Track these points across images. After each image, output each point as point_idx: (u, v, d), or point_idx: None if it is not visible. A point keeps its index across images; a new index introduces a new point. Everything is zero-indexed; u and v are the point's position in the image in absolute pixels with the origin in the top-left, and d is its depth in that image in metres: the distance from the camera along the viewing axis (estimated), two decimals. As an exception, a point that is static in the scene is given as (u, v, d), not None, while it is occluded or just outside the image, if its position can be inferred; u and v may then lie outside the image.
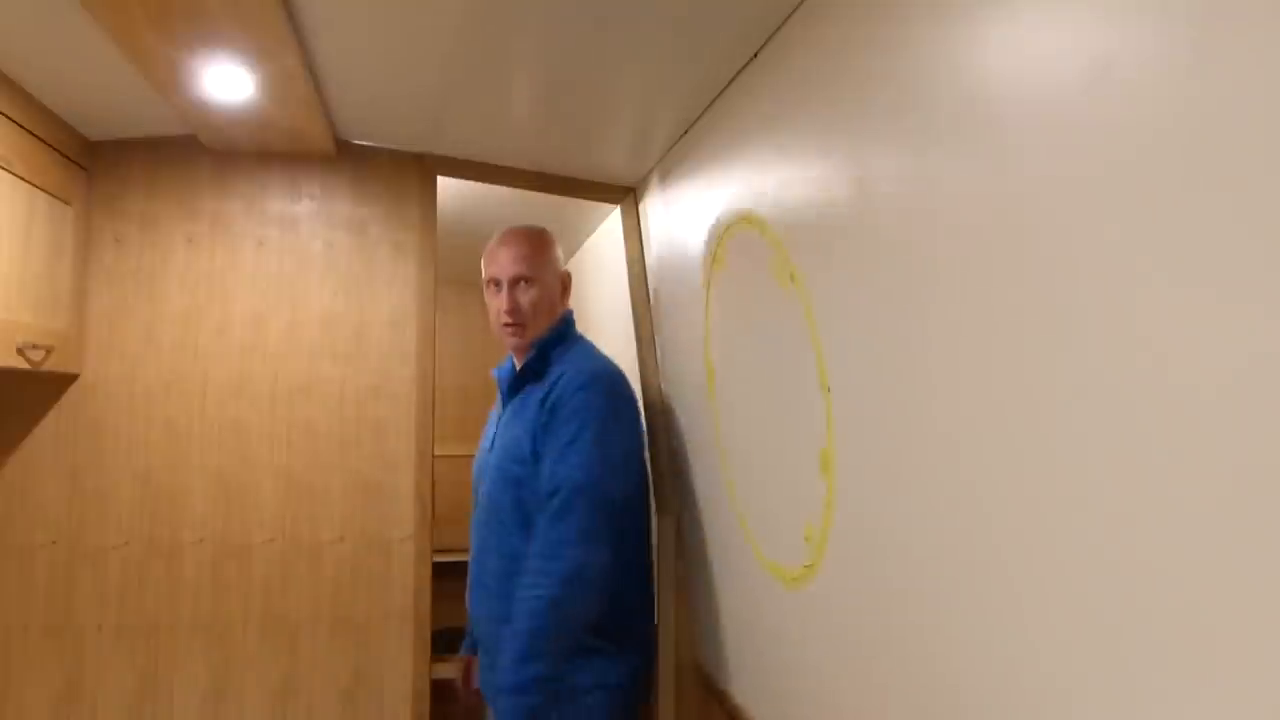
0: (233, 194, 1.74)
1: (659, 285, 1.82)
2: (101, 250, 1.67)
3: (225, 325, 1.71)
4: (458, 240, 2.46)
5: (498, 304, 1.58)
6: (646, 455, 1.68)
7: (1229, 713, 0.52)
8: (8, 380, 1.59)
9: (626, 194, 1.94)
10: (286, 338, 1.73)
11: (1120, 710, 0.61)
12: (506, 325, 1.57)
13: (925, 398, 0.85)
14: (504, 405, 1.63)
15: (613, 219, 2.08)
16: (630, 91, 1.43)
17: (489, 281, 1.60)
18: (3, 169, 1.31)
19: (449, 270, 2.68)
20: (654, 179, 1.78)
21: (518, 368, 1.61)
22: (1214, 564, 0.53)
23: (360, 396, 1.75)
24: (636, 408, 1.63)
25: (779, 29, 1.13)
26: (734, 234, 1.34)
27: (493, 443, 1.60)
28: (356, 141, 1.77)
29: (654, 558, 1.87)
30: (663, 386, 1.85)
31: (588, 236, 2.48)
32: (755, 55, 1.21)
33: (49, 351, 1.46)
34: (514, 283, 1.56)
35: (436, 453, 1.85)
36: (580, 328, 2.56)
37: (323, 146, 1.71)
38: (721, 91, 1.35)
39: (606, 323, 2.31)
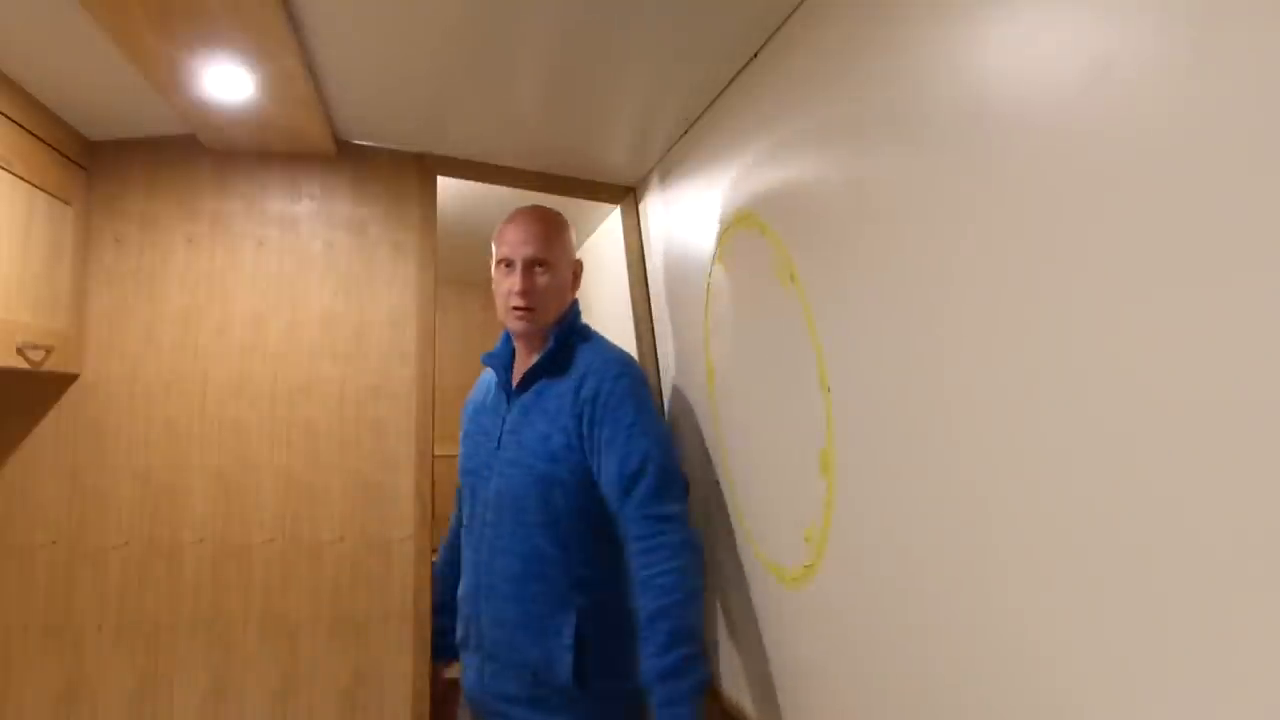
0: (233, 194, 1.74)
1: (659, 285, 1.82)
2: (101, 250, 1.67)
3: (225, 325, 1.71)
4: (458, 240, 2.46)
5: (509, 284, 1.49)
6: None
7: (1226, 713, 0.52)
8: (8, 380, 1.59)
9: (626, 194, 1.94)
10: (286, 338, 1.73)
11: (1120, 710, 0.61)
12: (516, 308, 1.49)
13: (925, 397, 0.85)
14: (507, 399, 1.56)
15: (613, 219, 2.08)
16: (631, 91, 1.43)
17: (500, 261, 1.52)
18: (3, 169, 1.31)
19: (449, 270, 2.68)
20: (654, 179, 1.78)
21: (528, 357, 1.54)
22: (1214, 565, 0.53)
23: (360, 396, 1.75)
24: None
25: (779, 29, 1.13)
26: (734, 234, 1.33)
27: (499, 440, 1.53)
28: (356, 141, 1.77)
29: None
30: (663, 386, 1.85)
31: (588, 236, 2.48)
32: (755, 55, 1.21)
33: (49, 351, 1.46)
34: (529, 265, 1.49)
35: (436, 453, 1.85)
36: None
37: (323, 146, 1.71)
38: (721, 91, 1.35)
39: (606, 323, 2.31)
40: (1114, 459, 0.60)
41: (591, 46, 1.26)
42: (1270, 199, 0.48)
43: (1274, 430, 0.48)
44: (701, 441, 1.59)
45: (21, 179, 1.37)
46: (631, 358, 1.54)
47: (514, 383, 1.55)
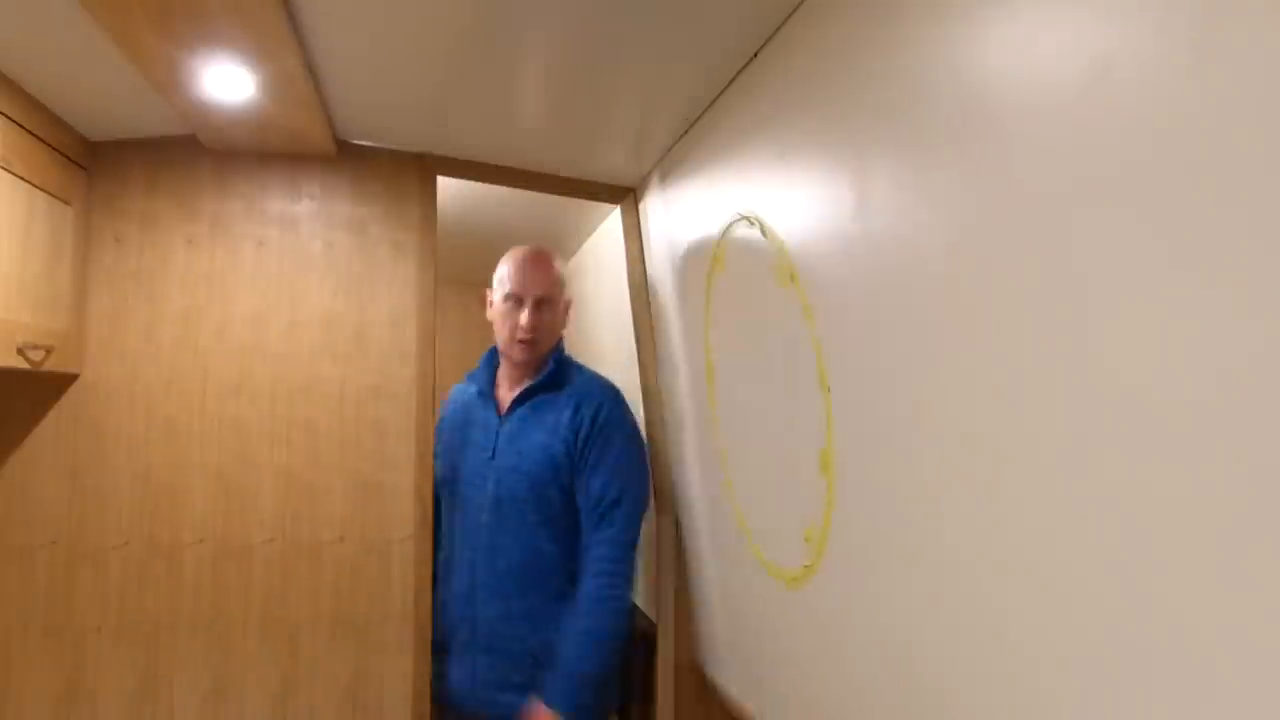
0: (233, 194, 1.74)
1: (659, 285, 1.82)
2: (101, 250, 1.67)
3: (225, 325, 1.71)
4: (458, 240, 2.46)
5: (517, 318, 1.68)
6: None
7: (1222, 714, 0.52)
8: (8, 380, 1.59)
9: (626, 194, 1.94)
10: (286, 338, 1.73)
11: (1120, 710, 0.61)
12: (523, 340, 1.68)
13: (925, 398, 0.85)
14: (498, 413, 1.74)
15: (613, 219, 2.08)
16: (631, 91, 1.43)
17: (509, 297, 1.70)
18: (3, 169, 1.31)
19: (449, 270, 2.67)
20: (654, 179, 1.78)
21: (521, 378, 1.74)
22: (1214, 567, 0.53)
23: (360, 397, 1.75)
24: None
25: (779, 29, 1.13)
26: (734, 234, 1.33)
27: (494, 450, 1.70)
28: (356, 141, 1.77)
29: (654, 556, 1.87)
30: (662, 386, 1.85)
31: (588, 237, 2.48)
32: (755, 55, 1.21)
33: (49, 351, 1.46)
34: (537, 303, 1.68)
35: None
36: (581, 328, 2.59)
37: (323, 146, 1.71)
38: (721, 91, 1.35)
39: (606, 323, 2.31)
40: (1114, 459, 0.60)
41: (591, 46, 1.26)
42: (1272, 198, 0.48)
43: (1273, 431, 0.48)
44: (701, 442, 1.59)
45: (21, 179, 1.37)
46: (617, 388, 1.77)
47: (509, 400, 1.74)
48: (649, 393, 1.88)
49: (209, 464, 1.68)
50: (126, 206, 1.69)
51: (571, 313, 1.82)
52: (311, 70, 1.36)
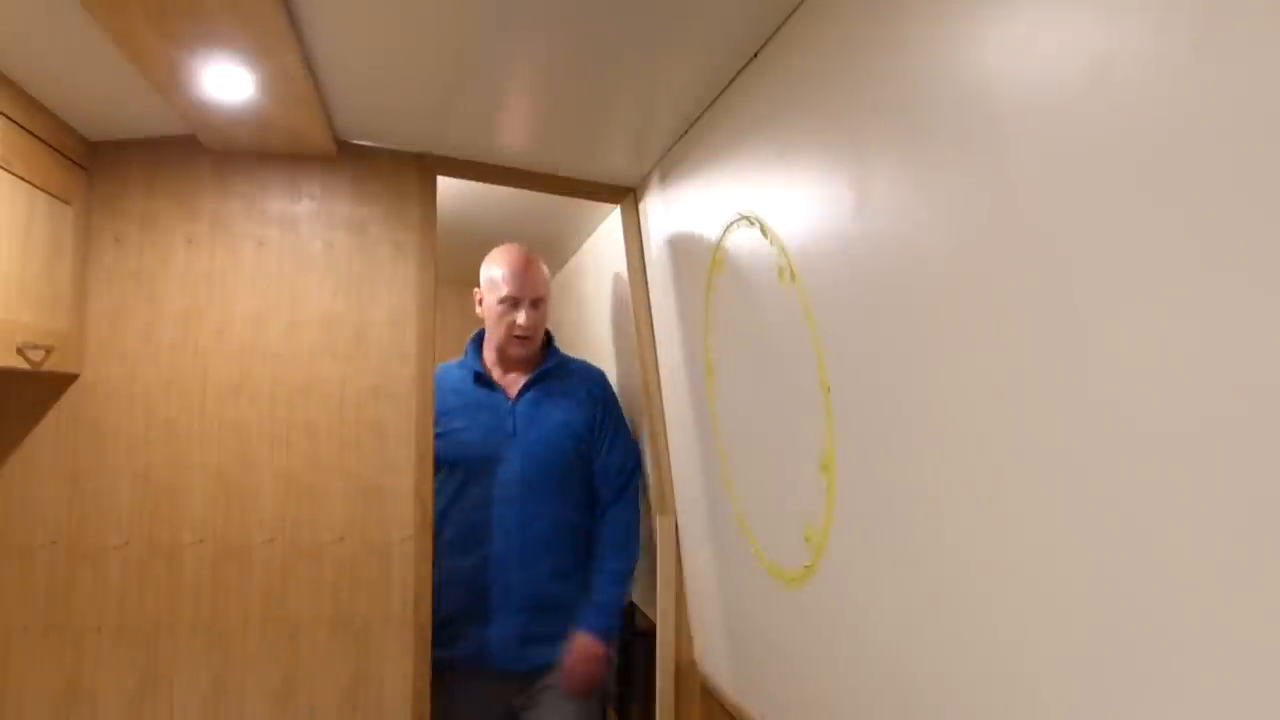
0: (233, 194, 1.74)
1: (659, 285, 1.82)
2: (101, 250, 1.67)
3: (225, 325, 1.71)
4: (458, 240, 2.45)
5: (514, 317, 1.88)
6: None
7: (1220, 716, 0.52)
8: (8, 380, 1.59)
9: (626, 194, 1.94)
10: (286, 338, 1.73)
11: (1120, 710, 0.61)
12: (520, 337, 1.89)
13: (925, 397, 0.85)
14: (507, 397, 1.92)
15: (613, 219, 2.08)
16: (631, 91, 1.43)
17: (505, 299, 1.88)
18: (3, 169, 1.31)
19: (449, 270, 2.67)
20: (654, 179, 1.78)
21: (521, 365, 1.94)
22: (1216, 571, 0.53)
23: (360, 397, 1.75)
24: None
25: (779, 29, 1.13)
26: (734, 234, 1.33)
27: (514, 428, 1.88)
28: (356, 141, 1.77)
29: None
30: (663, 386, 1.85)
31: (587, 237, 2.48)
32: (755, 55, 1.21)
33: (49, 351, 1.46)
34: (533, 303, 1.89)
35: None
36: (580, 328, 2.60)
37: (323, 146, 1.71)
38: (721, 91, 1.34)
39: (606, 323, 2.31)
40: (1114, 460, 0.60)
41: (592, 46, 1.26)
42: (1272, 198, 0.48)
43: (1271, 432, 0.48)
44: (701, 441, 1.59)
45: (21, 179, 1.37)
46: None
47: (516, 384, 1.93)
48: (649, 392, 1.88)
49: (209, 464, 1.68)
50: (126, 206, 1.69)
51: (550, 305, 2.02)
52: (311, 69, 1.36)
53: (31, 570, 1.61)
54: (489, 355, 1.97)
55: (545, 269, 1.96)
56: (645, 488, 1.97)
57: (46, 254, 1.49)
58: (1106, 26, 0.60)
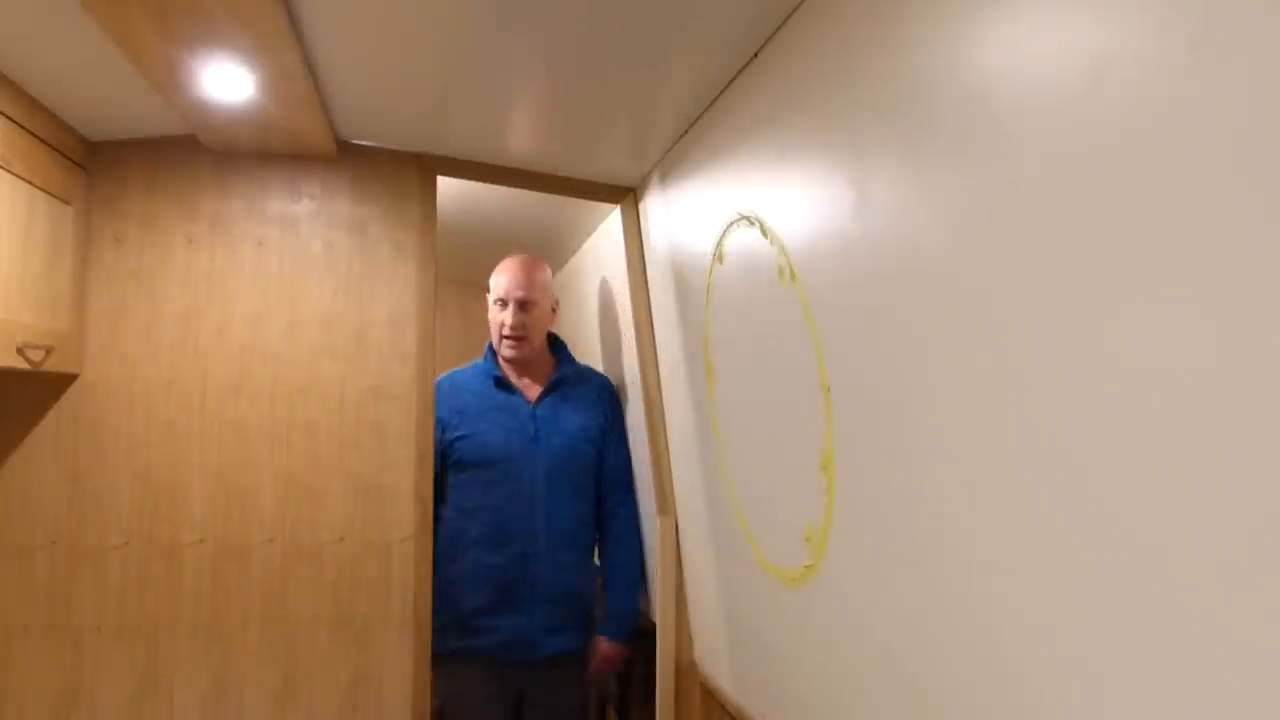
0: (233, 194, 1.74)
1: (659, 285, 1.82)
2: (101, 250, 1.67)
3: (225, 325, 1.71)
4: (458, 240, 2.45)
5: (503, 319, 1.98)
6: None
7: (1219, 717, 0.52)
8: (8, 380, 1.59)
9: (626, 194, 1.94)
10: (286, 338, 1.73)
11: (1120, 710, 0.61)
12: (508, 338, 1.97)
13: (925, 397, 0.85)
14: (527, 401, 2.01)
15: (613, 219, 2.08)
16: (630, 91, 1.43)
17: (497, 300, 2.00)
18: (3, 169, 1.31)
19: (449, 270, 2.67)
20: (654, 179, 1.78)
21: (536, 371, 2.05)
22: (1214, 569, 0.53)
23: (360, 397, 1.75)
24: None
25: (779, 29, 1.13)
26: (734, 234, 1.33)
27: (537, 432, 1.97)
28: (356, 141, 1.77)
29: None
30: (663, 386, 1.85)
31: (587, 237, 2.48)
32: (755, 55, 1.21)
33: (49, 351, 1.46)
34: (519, 304, 1.96)
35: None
36: (580, 328, 2.60)
37: (323, 146, 1.71)
38: (721, 91, 1.34)
39: (606, 323, 2.31)
40: (1114, 460, 0.60)
41: (592, 46, 1.26)
42: (1272, 197, 0.48)
43: (1271, 432, 0.48)
44: (701, 442, 1.59)
45: (21, 179, 1.37)
46: None
47: (536, 390, 2.03)
48: (649, 393, 1.88)
49: (209, 464, 1.68)
50: (126, 206, 1.69)
51: (558, 313, 2.11)
52: (311, 69, 1.36)
53: (31, 570, 1.61)
54: (501, 359, 2.07)
55: (545, 276, 2.04)
56: (636, 488, 2.08)
57: (46, 254, 1.49)
58: (1106, 26, 0.60)
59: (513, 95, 1.49)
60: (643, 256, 1.92)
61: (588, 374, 2.14)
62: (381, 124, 1.70)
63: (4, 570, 1.60)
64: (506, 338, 1.97)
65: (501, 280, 2.00)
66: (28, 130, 1.38)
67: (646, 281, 1.91)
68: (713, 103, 1.39)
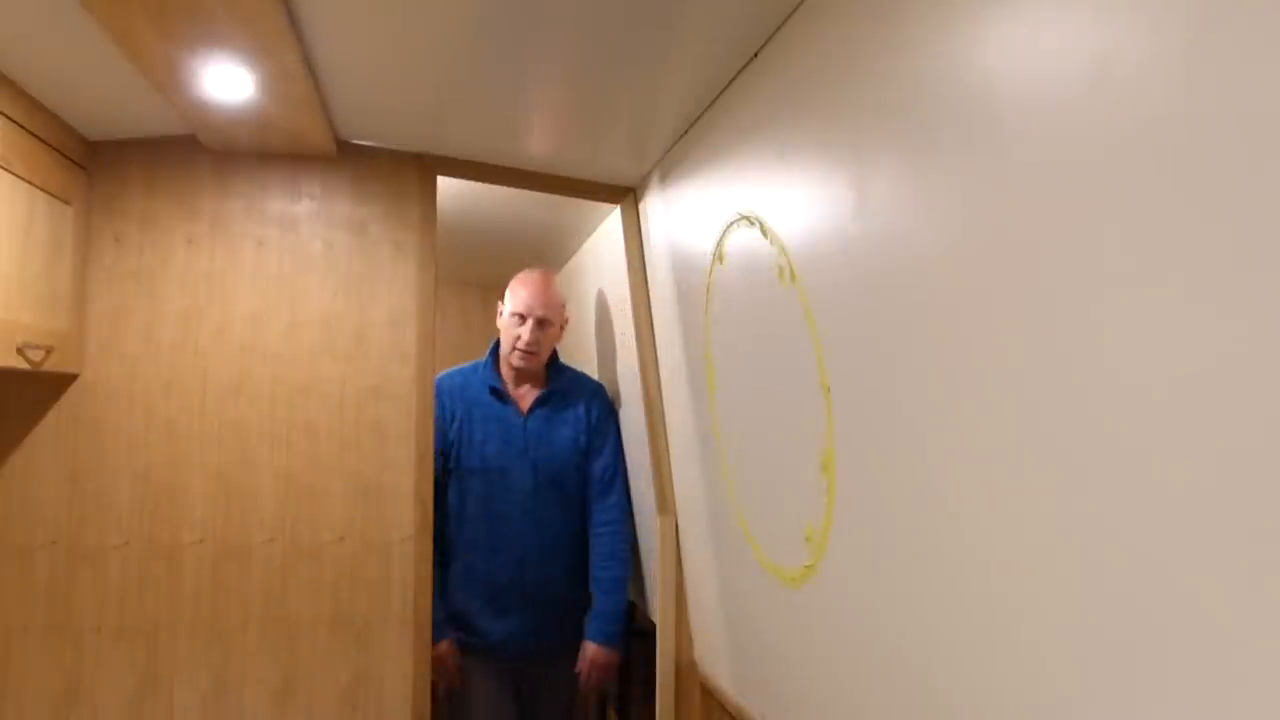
0: (233, 194, 1.74)
1: (659, 285, 1.82)
2: (101, 250, 1.67)
3: (225, 325, 1.71)
4: (458, 240, 2.45)
5: (520, 333, 2.02)
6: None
7: (1220, 715, 0.52)
8: (8, 380, 1.59)
9: (626, 194, 1.94)
10: (286, 338, 1.73)
11: (1119, 710, 0.61)
12: (523, 352, 2.03)
13: (925, 397, 0.85)
14: (520, 413, 2.06)
15: (613, 219, 2.08)
16: (630, 92, 1.43)
17: (515, 314, 2.04)
18: (3, 169, 1.31)
19: (449, 270, 2.67)
20: (654, 179, 1.78)
21: (531, 383, 2.09)
22: (1213, 570, 0.53)
23: (360, 397, 1.75)
24: None
25: (779, 29, 1.13)
26: (734, 234, 1.33)
27: (526, 443, 2.03)
28: (356, 141, 1.77)
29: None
30: (663, 386, 1.85)
31: (587, 237, 2.48)
32: (755, 55, 1.21)
33: (49, 351, 1.46)
34: (538, 321, 2.02)
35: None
36: (580, 328, 2.61)
37: (323, 146, 1.71)
38: (722, 91, 1.34)
39: (606, 323, 2.31)
40: (1114, 460, 0.60)
41: (591, 46, 1.26)
42: (1272, 197, 0.48)
43: (1271, 432, 0.48)
44: (701, 442, 1.59)
45: (21, 179, 1.37)
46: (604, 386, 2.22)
47: (528, 401, 2.08)
48: (649, 393, 1.88)
49: (209, 464, 1.68)
50: (126, 206, 1.69)
51: (566, 331, 2.16)
52: (311, 69, 1.36)
53: (31, 570, 1.61)
54: (504, 364, 2.11)
55: (561, 296, 2.11)
56: (628, 491, 2.10)
57: (46, 254, 1.49)
58: (1107, 26, 0.60)
59: (513, 95, 1.49)
60: (643, 256, 1.92)
61: (581, 382, 2.18)
62: (381, 124, 1.70)
63: (4, 570, 1.60)
64: (520, 351, 2.03)
65: (523, 295, 2.04)
66: (28, 130, 1.38)
67: (646, 281, 1.91)
68: (713, 103, 1.39)
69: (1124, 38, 0.58)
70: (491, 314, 2.22)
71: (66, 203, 1.55)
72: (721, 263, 1.40)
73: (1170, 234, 0.55)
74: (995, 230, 0.73)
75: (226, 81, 1.36)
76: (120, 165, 1.69)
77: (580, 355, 2.54)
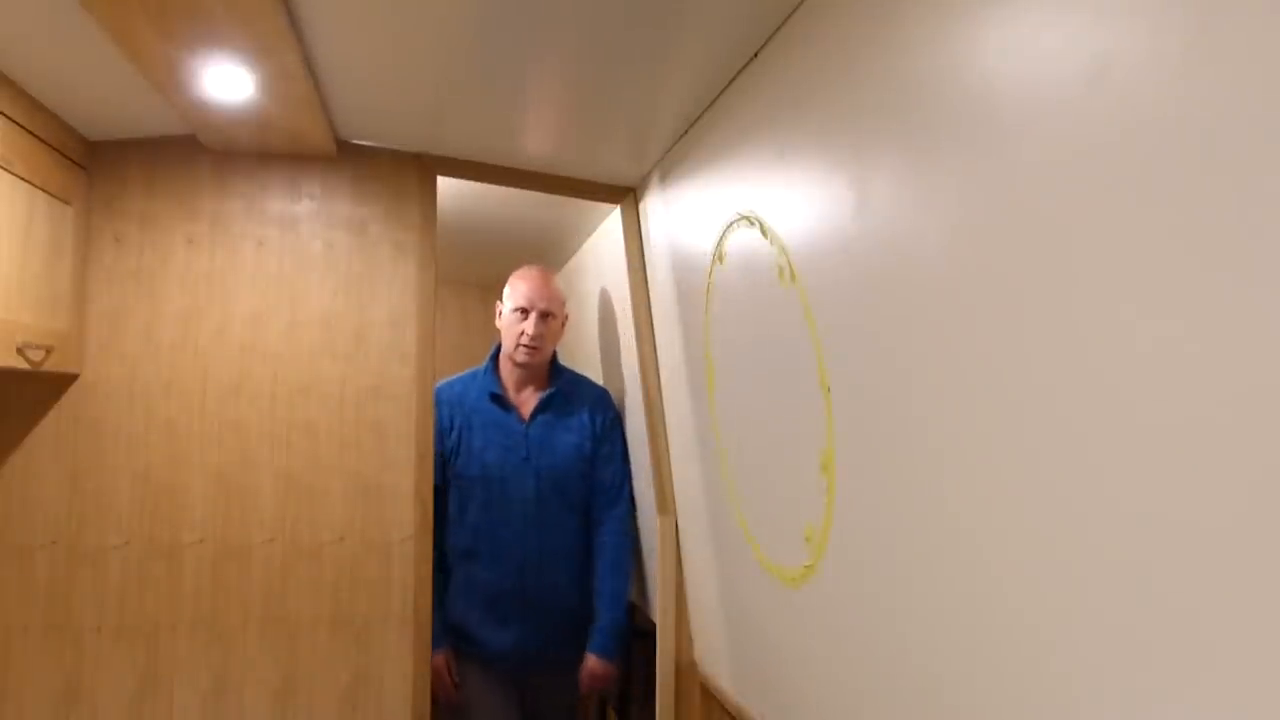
0: (233, 194, 1.74)
1: (659, 285, 1.82)
2: (101, 250, 1.67)
3: (225, 325, 1.71)
4: (458, 240, 2.45)
5: (523, 328, 1.98)
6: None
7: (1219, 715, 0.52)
8: (8, 380, 1.59)
9: (626, 194, 1.94)
10: (286, 338, 1.73)
11: (1118, 709, 0.61)
12: (527, 346, 1.98)
13: (925, 397, 0.85)
14: (521, 419, 2.02)
15: (613, 219, 2.08)
16: (630, 91, 1.43)
17: (517, 309, 2.00)
18: (3, 169, 1.31)
19: (449, 270, 2.67)
20: (654, 179, 1.78)
21: (533, 387, 2.05)
22: (1213, 570, 0.53)
23: (360, 397, 1.75)
24: None
25: (779, 29, 1.13)
26: (734, 234, 1.33)
27: (528, 451, 1.99)
28: (356, 141, 1.77)
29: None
30: (663, 386, 1.85)
31: (587, 237, 2.48)
32: (755, 55, 1.21)
33: (49, 351, 1.46)
34: (541, 315, 1.98)
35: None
36: (580, 328, 2.60)
37: (323, 146, 1.71)
38: (722, 91, 1.35)
39: (606, 323, 2.31)
40: (1114, 459, 0.60)
41: (591, 46, 1.26)
42: (1272, 196, 0.48)
43: (1276, 429, 0.48)
44: (701, 442, 1.59)
45: (21, 179, 1.37)
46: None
47: (529, 406, 2.04)
48: (649, 393, 1.88)
49: (209, 464, 1.68)
50: (126, 206, 1.69)
51: (567, 327, 2.12)
52: (311, 69, 1.36)
53: (31, 570, 1.61)
54: (505, 368, 2.07)
55: (561, 290, 2.08)
56: (633, 500, 2.07)
57: (46, 254, 1.49)
58: (1106, 25, 0.60)
59: (513, 95, 1.49)
60: (643, 257, 1.92)
61: (583, 386, 2.13)
62: (381, 124, 1.70)
63: (4, 570, 1.60)
64: (525, 346, 1.98)
65: (524, 289, 2.01)
66: (28, 130, 1.38)
67: (646, 282, 1.91)
68: (713, 103, 1.39)
69: (1123, 38, 0.58)
70: (491, 314, 2.18)
71: (66, 203, 1.55)
72: (721, 263, 1.40)
73: (1170, 234, 0.55)
74: (995, 230, 0.73)
75: (226, 81, 1.36)
76: (120, 165, 1.69)
77: (580, 356, 2.54)
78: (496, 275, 2.36)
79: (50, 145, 1.47)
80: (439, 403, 1.96)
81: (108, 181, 1.68)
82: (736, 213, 1.31)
